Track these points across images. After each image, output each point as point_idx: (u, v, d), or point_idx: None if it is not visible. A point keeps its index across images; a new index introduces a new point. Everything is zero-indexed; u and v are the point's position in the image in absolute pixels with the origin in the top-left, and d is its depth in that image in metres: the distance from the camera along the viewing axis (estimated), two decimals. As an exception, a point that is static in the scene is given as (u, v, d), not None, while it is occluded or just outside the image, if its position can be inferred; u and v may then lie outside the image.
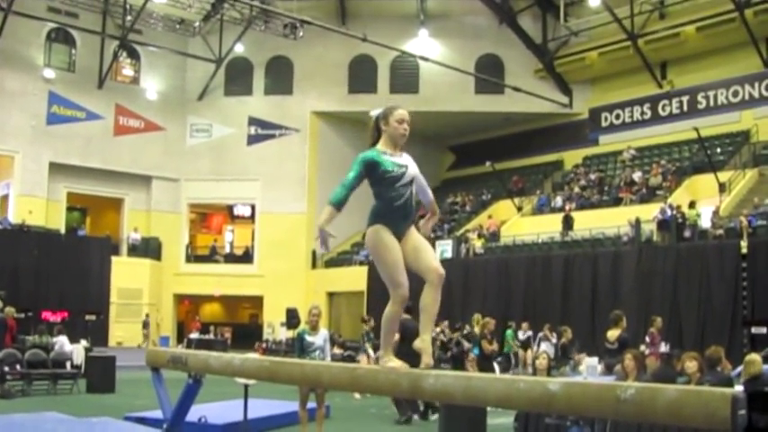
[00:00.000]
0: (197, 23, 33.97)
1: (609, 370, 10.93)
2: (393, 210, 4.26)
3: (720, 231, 22.01)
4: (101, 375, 15.65)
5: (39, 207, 31.08)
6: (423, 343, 4.20)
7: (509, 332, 21.47)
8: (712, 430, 2.86)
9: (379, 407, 13.56)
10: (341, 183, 4.24)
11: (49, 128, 32.17)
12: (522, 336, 21.56)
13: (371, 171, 4.27)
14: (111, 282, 30.92)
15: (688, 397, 2.92)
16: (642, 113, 32.40)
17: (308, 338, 9.52)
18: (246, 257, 36.39)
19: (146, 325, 31.79)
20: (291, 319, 26.31)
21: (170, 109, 35.41)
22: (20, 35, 30.96)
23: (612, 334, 11.95)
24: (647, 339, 15.53)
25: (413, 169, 4.37)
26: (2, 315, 15.56)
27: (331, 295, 33.01)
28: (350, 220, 31.05)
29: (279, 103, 35.79)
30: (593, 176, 30.78)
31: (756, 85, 28.98)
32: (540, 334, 20.00)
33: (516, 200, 31.80)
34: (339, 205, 4.21)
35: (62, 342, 16.77)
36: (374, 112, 4.48)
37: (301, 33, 32.14)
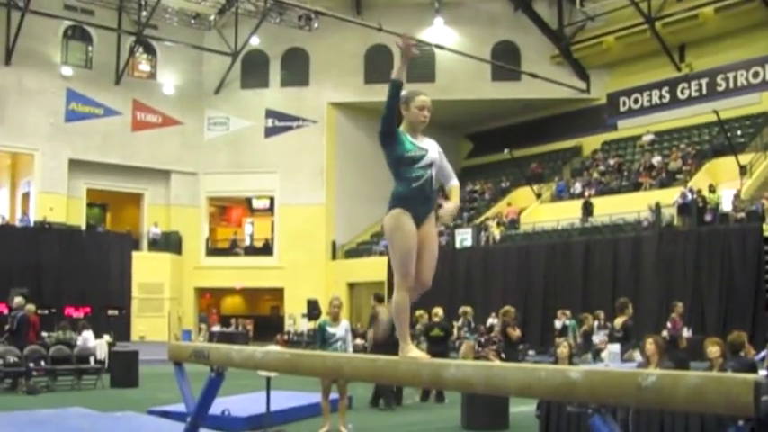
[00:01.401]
0: (212, 17, 34.02)
1: None
2: (412, 191, 4.23)
3: (742, 215, 21.84)
4: (124, 370, 15.76)
5: (59, 204, 31.31)
6: (408, 352, 4.17)
7: (572, 323, 19.15)
8: (735, 416, 2.85)
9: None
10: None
11: (68, 125, 32.37)
12: (558, 324, 20.22)
13: (393, 146, 4.26)
14: (132, 276, 31.07)
15: (710, 383, 2.90)
16: (661, 97, 32.15)
17: (330, 329, 9.56)
18: (266, 250, 36.49)
19: (203, 320, 32.10)
20: (312, 310, 26.42)
21: (187, 103, 35.51)
22: (37, 33, 31.12)
23: (618, 321, 11.93)
24: (669, 325, 15.45)
25: (433, 154, 4.36)
26: (24, 312, 15.68)
27: (351, 286, 33.05)
28: (368, 209, 31.29)
29: (295, 94, 35.80)
30: (611, 162, 30.63)
31: (776, 65, 28.70)
32: (597, 322, 18.50)
33: (535, 187, 31.69)
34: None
35: (86, 337, 16.90)
36: None
37: (316, 24, 32.16)
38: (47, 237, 28.71)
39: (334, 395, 9.79)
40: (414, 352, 4.15)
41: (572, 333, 18.60)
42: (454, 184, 4.60)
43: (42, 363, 14.98)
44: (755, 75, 29.21)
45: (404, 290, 4.21)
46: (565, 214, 27.17)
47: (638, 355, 10.69)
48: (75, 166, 32.20)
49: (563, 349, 9.67)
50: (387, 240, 4.38)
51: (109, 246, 30.82)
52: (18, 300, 16.12)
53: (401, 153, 4.25)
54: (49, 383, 14.98)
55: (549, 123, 35.23)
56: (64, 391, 14.76)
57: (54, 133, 31.80)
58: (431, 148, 4.36)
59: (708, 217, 22.44)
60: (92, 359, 16.07)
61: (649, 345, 8.40)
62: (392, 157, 4.28)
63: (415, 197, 4.24)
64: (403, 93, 4.35)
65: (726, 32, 29.40)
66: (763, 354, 9.91)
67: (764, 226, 20.52)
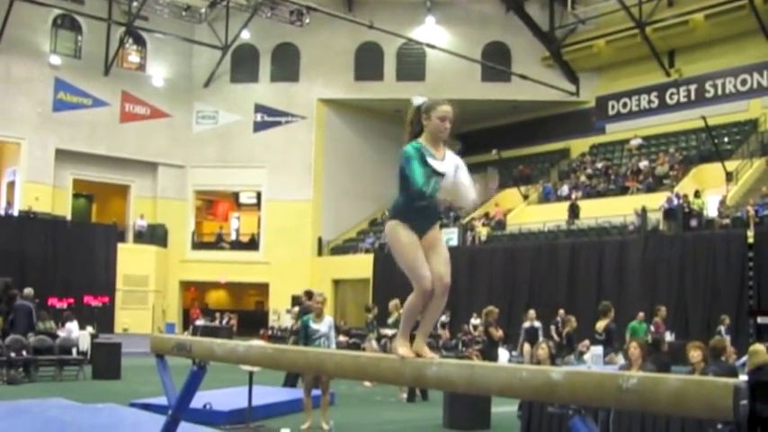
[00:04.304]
0: (203, 10, 33.90)
1: None
2: (414, 209, 4.10)
3: (727, 221, 21.97)
4: (106, 362, 15.69)
5: (45, 194, 31.14)
6: (418, 347, 4.08)
7: (635, 324, 15.07)
8: (714, 420, 2.86)
9: (384, 394, 13.58)
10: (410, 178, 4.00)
11: (56, 114, 32.20)
12: (527, 326, 18.44)
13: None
14: (117, 268, 30.99)
15: (690, 387, 2.92)
16: (649, 102, 32.29)
17: (313, 326, 9.55)
18: (252, 245, 36.42)
19: (206, 312, 31.87)
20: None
21: (176, 96, 35.40)
22: (26, 21, 30.94)
23: (600, 325, 11.99)
24: (652, 329, 15.52)
25: (448, 179, 4.13)
26: (23, 302, 15.52)
27: (336, 282, 33.04)
28: (356, 206, 31.20)
29: (285, 90, 35.73)
30: (599, 165, 30.72)
31: (765, 73, 28.85)
32: (722, 327, 16.75)
33: (522, 188, 31.74)
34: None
35: (71, 329, 16.82)
36: (417, 101, 4.21)
37: (308, 20, 32.07)
38: (32, 226, 28.56)
39: (316, 391, 9.79)
40: (401, 350, 4.05)
41: (629, 335, 14.47)
42: (465, 204, 4.49)
43: (24, 353, 14.89)
44: (743, 82, 29.39)
45: (419, 294, 4.09)
46: (551, 216, 27.22)
47: (620, 359, 10.74)
48: (62, 156, 32.03)
49: (541, 351, 9.69)
50: (391, 251, 4.28)
51: (94, 237, 30.74)
52: (27, 290, 15.94)
53: (412, 185, 3.99)
54: (31, 373, 14.89)
55: (538, 125, 35.27)
56: (45, 382, 14.69)
57: (41, 122, 31.62)
58: (448, 171, 4.12)
59: (693, 222, 22.54)
60: (74, 350, 16.00)
61: (633, 348, 8.44)
62: (403, 176, 4.07)
63: (417, 214, 4.12)
64: (425, 101, 4.17)
65: (715, 39, 29.57)
66: (744, 359, 9.96)
67: (749, 232, 20.64)
